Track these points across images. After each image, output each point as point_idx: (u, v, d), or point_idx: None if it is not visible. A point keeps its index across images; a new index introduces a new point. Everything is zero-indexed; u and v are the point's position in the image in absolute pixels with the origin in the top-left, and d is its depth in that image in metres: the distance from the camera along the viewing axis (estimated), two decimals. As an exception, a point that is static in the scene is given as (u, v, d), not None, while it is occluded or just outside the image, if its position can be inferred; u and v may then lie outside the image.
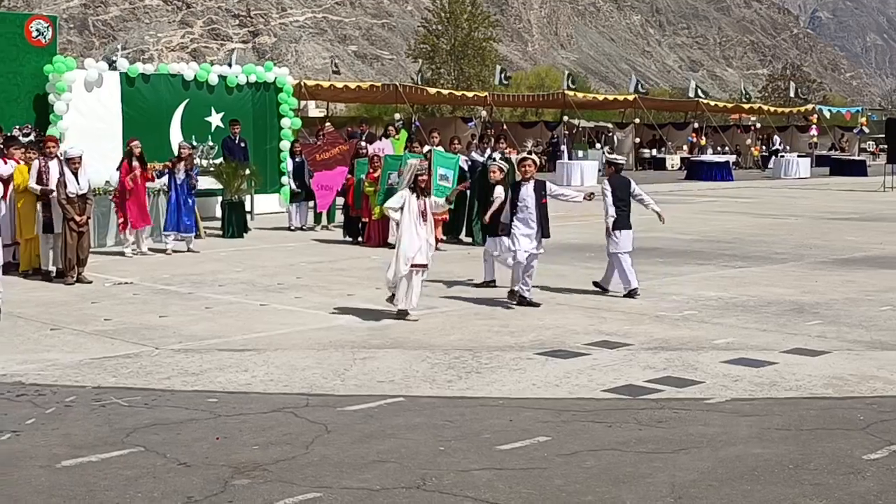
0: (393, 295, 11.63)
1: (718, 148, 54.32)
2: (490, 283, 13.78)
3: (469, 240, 18.97)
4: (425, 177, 11.93)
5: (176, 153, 18.55)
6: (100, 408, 7.86)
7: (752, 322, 11.50)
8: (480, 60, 77.17)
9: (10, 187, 14.72)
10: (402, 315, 11.52)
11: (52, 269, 14.62)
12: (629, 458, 6.70)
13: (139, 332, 10.76)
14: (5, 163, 14.94)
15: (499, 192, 13.27)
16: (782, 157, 49.70)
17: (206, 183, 20.59)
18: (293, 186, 21.54)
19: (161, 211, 18.15)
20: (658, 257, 17.05)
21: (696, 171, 44.25)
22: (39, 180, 14.35)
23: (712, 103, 60.03)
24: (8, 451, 6.78)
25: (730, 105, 64.39)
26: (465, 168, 18.98)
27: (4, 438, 7.07)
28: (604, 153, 16.38)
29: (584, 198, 13.07)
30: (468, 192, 18.88)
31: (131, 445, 6.90)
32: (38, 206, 14.51)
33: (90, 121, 21.15)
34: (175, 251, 17.30)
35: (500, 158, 18.80)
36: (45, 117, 21.05)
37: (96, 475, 6.32)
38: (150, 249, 17.32)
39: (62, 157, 14.52)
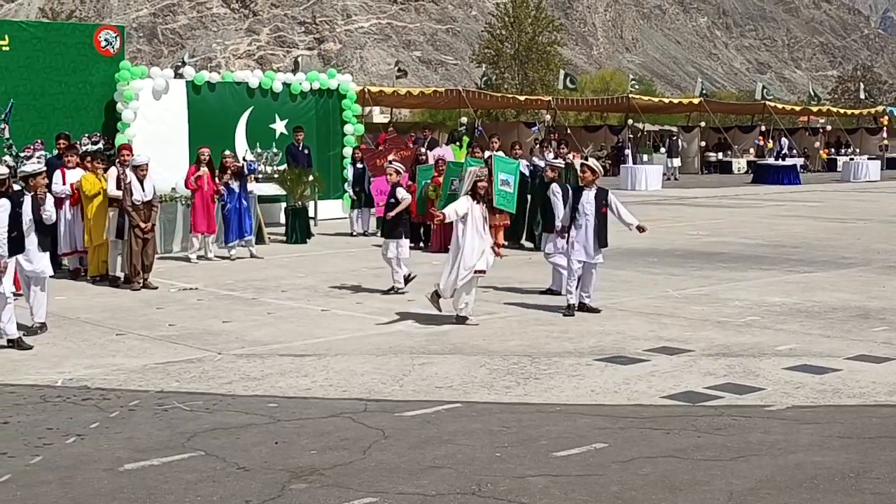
0: (436, 293, 11.67)
1: (786, 151, 53.56)
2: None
3: (530, 245, 18.94)
4: (484, 183, 11.90)
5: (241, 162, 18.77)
6: (162, 412, 8.00)
7: (816, 328, 11.35)
8: (545, 65, 76.91)
9: (77, 196, 15.05)
10: (461, 321, 11.57)
11: (120, 274, 14.88)
12: (686, 465, 6.65)
13: (202, 338, 10.91)
14: (63, 179, 15.20)
15: (402, 194, 13.67)
16: (852, 159, 48.78)
17: (270, 189, 20.84)
18: (351, 193, 21.73)
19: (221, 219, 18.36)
20: (722, 262, 16.89)
21: (762, 174, 43.68)
22: (118, 187, 14.64)
23: (780, 105, 59.21)
24: (73, 454, 6.92)
25: (798, 107, 63.46)
26: (527, 173, 18.97)
27: (70, 442, 7.22)
28: (544, 158, 16.51)
29: (637, 228, 12.59)
30: (529, 196, 18.91)
31: (192, 449, 7.01)
32: (113, 211, 14.77)
33: (157, 128, 21.49)
34: (238, 257, 17.51)
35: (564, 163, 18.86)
36: (114, 126, 21.44)
37: (157, 479, 6.43)
38: (216, 256, 17.55)
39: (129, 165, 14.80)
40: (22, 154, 17.79)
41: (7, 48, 21.22)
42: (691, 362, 9.69)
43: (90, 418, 7.81)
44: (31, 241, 10.77)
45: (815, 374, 9.20)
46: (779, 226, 23.49)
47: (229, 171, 17.84)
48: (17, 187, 10.96)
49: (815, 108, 60.32)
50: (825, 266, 16.48)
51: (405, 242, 13.94)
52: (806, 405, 8.20)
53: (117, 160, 15.33)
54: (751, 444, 7.12)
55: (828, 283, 14.72)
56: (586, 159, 13.06)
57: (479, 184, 11.78)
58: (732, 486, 6.27)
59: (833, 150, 57.77)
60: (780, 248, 18.87)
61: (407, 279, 13.88)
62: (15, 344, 10.29)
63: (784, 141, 52.71)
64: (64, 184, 15.18)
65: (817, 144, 57.23)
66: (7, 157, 15.90)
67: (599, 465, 6.67)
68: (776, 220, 24.94)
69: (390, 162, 14.73)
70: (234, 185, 17.76)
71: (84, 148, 17.23)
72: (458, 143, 23.83)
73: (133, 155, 15.20)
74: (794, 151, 52.33)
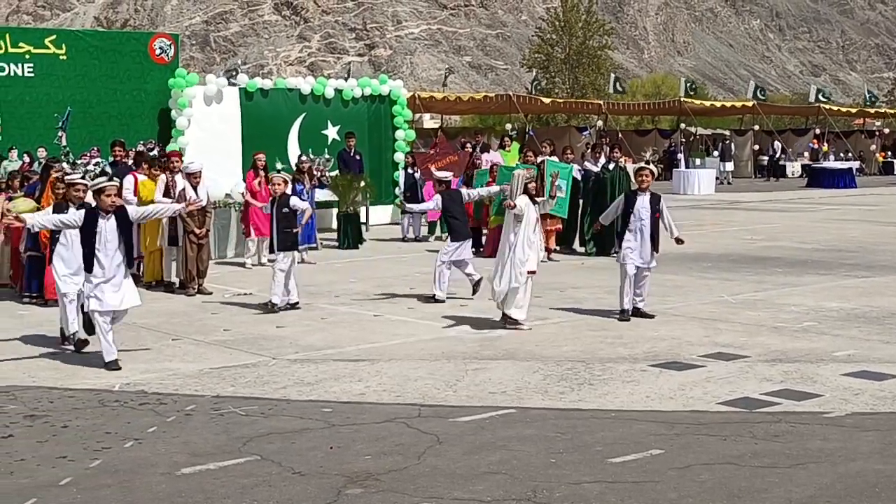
0: (507, 316, 11.64)
1: (841, 154, 52.94)
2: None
3: (582, 250, 18.86)
4: (534, 184, 11.95)
5: (296, 167, 18.94)
6: (218, 416, 8.05)
7: (875, 334, 11.17)
8: (595, 69, 76.64)
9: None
10: (513, 324, 11.56)
11: (175, 280, 15.02)
12: (744, 472, 6.58)
13: (257, 343, 10.98)
14: (136, 188, 15.27)
15: (294, 202, 13.31)
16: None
17: (322, 195, 20.95)
18: (402, 199, 21.85)
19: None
20: (777, 267, 16.70)
21: (817, 178, 43.18)
22: (166, 195, 14.76)
23: (834, 108, 58.49)
24: (130, 459, 6.99)
25: (853, 110, 62.66)
26: (579, 177, 18.90)
27: (128, 446, 7.29)
28: (433, 172, 16.83)
29: (676, 239, 12.48)
30: (581, 201, 18.86)
31: (248, 454, 7.05)
32: (164, 219, 14.90)
33: (210, 135, 21.70)
34: (292, 262, 17.61)
35: (615, 167, 18.77)
36: (168, 133, 21.69)
37: (214, 483, 6.47)
38: (269, 261, 17.64)
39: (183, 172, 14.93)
40: (79, 161, 18.04)
41: (64, 57, 21.60)
42: (747, 368, 9.58)
43: (147, 422, 7.88)
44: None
45: (874, 380, 9.06)
46: (835, 230, 23.19)
47: (305, 174, 18.00)
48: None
49: (871, 111, 59.52)
50: (884, 270, 16.23)
51: (296, 255, 13.36)
52: (866, 412, 8.07)
53: (164, 167, 15.43)
54: (810, 451, 7.02)
55: (886, 287, 14.50)
56: (648, 164, 13.01)
57: (529, 185, 11.81)
58: (791, 493, 6.18)
59: (889, 153, 56.98)
60: (837, 253, 18.62)
61: (293, 305, 13.06)
62: (75, 341, 10.39)
63: (777, 144, 51.75)
64: (136, 193, 15.12)
65: (873, 147, 56.48)
66: (65, 165, 16.11)
67: (656, 471, 6.61)
68: (832, 224, 24.63)
69: (279, 171, 14.50)
70: (307, 189, 17.93)
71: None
72: (505, 149, 23.78)
73: (182, 162, 15.33)
74: (784, 154, 51.37)
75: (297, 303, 13.10)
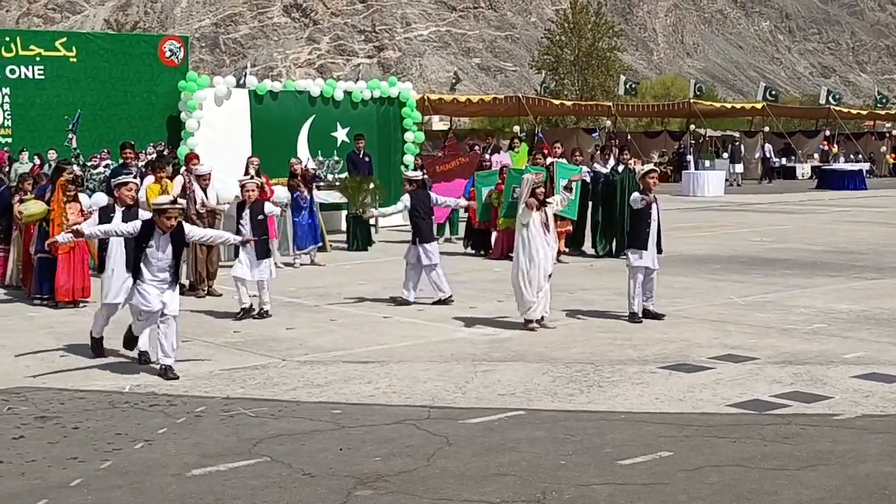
0: (528, 320, 11.65)
1: (851, 156, 52.78)
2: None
3: (592, 251, 18.85)
4: (542, 189, 11.95)
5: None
6: (228, 418, 8.07)
7: (886, 336, 11.15)
8: (605, 70, 76.59)
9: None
10: (539, 323, 11.57)
11: (185, 282, 15.04)
12: (754, 474, 6.58)
13: (266, 344, 11.00)
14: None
15: (269, 208, 13.25)
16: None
17: (331, 197, 20.99)
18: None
19: (288, 226, 18.49)
20: (787, 269, 16.67)
21: (827, 180, 43.05)
22: (183, 195, 14.76)
23: (845, 110, 58.32)
24: (141, 460, 7.01)
25: (864, 111, 62.47)
26: (588, 179, 18.89)
27: (138, 447, 7.31)
28: (403, 172, 16.97)
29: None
30: (590, 203, 18.86)
31: (258, 455, 7.07)
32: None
33: (220, 137, 21.74)
34: (302, 264, 17.65)
35: (624, 169, 18.75)
36: (178, 135, 21.74)
37: (224, 484, 6.49)
38: (280, 263, 17.68)
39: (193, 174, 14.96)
40: (89, 163, 18.14)
41: (74, 60, 21.69)
42: (757, 370, 9.57)
43: (158, 424, 7.91)
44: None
45: (884, 382, 9.04)
46: (844, 232, 23.13)
47: (298, 177, 18.01)
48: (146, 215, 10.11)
49: (882, 112, 59.34)
50: (893, 272, 16.19)
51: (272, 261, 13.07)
52: (876, 414, 8.06)
53: (184, 169, 15.47)
54: (819, 453, 7.01)
55: (896, 289, 14.48)
56: (659, 166, 13.05)
57: (538, 190, 11.81)
58: (801, 495, 6.18)
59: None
60: (847, 255, 18.58)
61: (248, 311, 12.64)
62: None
63: (767, 146, 51.31)
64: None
65: (884, 149, 56.30)
66: (75, 167, 16.18)
67: (665, 473, 6.61)
68: (842, 226, 24.56)
69: (252, 177, 14.34)
70: (306, 191, 17.95)
71: (149, 157, 17.47)
72: (514, 150, 23.79)
73: (199, 163, 15.38)
74: (794, 156, 50.89)
75: (254, 312, 12.70)
